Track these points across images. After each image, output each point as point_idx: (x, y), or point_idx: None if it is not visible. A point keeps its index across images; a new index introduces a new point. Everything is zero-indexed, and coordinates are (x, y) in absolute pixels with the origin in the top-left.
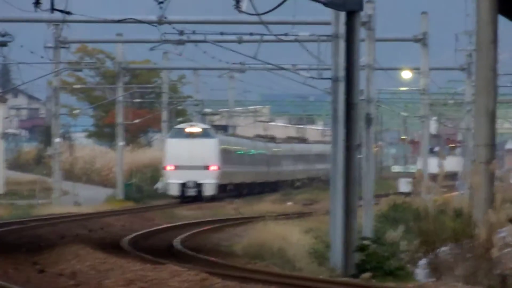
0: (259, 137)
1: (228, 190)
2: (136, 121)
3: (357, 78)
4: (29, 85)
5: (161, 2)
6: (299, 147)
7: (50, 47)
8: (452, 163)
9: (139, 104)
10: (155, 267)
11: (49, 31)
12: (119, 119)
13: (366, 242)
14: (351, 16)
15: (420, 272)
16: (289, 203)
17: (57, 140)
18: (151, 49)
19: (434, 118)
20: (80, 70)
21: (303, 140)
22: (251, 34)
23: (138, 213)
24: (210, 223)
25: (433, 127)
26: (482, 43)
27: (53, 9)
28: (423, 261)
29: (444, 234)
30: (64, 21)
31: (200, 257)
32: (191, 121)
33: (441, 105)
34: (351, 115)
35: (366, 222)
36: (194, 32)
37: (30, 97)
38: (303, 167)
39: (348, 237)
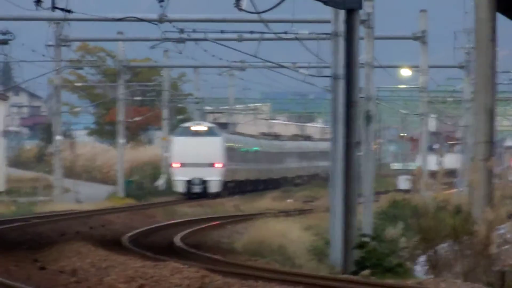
0: (264, 135)
1: (232, 187)
2: (137, 119)
3: (357, 76)
4: (30, 83)
5: (162, 1)
6: (304, 145)
7: (51, 45)
8: (451, 160)
9: (140, 102)
10: (156, 264)
11: (50, 29)
12: (120, 117)
13: (365, 239)
14: (351, 14)
15: (420, 269)
16: (289, 200)
17: (58, 137)
18: (152, 47)
19: (433, 115)
20: (81, 68)
21: (308, 137)
22: (251, 32)
23: (139, 210)
24: (210, 220)
25: (432, 124)
26: (481, 41)
27: (54, 7)
28: (422, 258)
29: (443, 231)
30: (65, 20)
31: (201, 254)
32: (191, 118)
33: (440, 102)
34: (350, 113)
35: (365, 219)
36: (194, 30)
37: (32, 95)
38: (308, 164)
39: (348, 234)
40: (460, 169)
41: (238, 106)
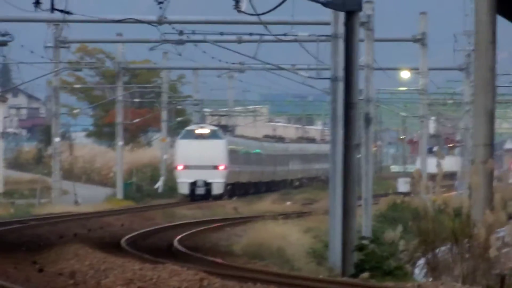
0: (267, 137)
1: (235, 189)
2: (136, 120)
3: (356, 78)
4: (29, 85)
5: (161, 2)
6: (307, 147)
7: (50, 47)
8: (451, 163)
9: (139, 104)
10: (155, 266)
11: (49, 30)
12: (119, 118)
13: (364, 241)
14: (350, 16)
15: (419, 271)
16: (288, 203)
17: (57, 139)
18: (151, 49)
19: (433, 118)
20: (80, 70)
21: (311, 140)
22: (250, 34)
23: (138, 212)
24: (209, 222)
25: (432, 127)
26: (480, 43)
27: (53, 9)
28: (421, 261)
29: (442, 234)
30: (64, 21)
31: (199, 256)
32: (190, 120)
33: (440, 105)
34: (350, 115)
35: (365, 222)
36: (193, 32)
37: (30, 97)
38: (310, 167)
39: (347, 237)
40: (460, 171)
41: (237, 108)
